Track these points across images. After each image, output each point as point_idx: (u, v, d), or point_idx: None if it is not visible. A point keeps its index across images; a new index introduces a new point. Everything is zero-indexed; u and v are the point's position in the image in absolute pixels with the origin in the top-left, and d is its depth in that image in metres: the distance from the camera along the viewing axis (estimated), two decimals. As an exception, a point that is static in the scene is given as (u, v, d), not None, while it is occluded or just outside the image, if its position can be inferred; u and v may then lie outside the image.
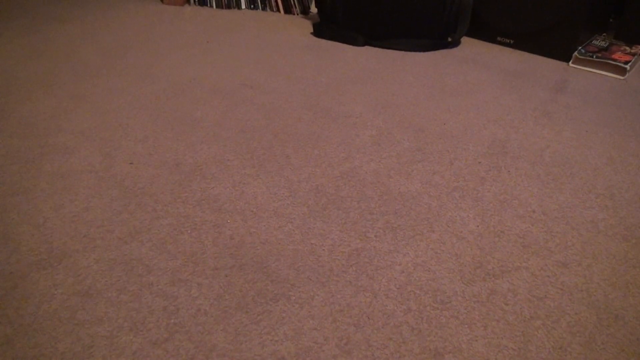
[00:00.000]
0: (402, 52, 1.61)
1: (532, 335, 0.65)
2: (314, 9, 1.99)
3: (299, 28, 1.81)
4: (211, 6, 2.02)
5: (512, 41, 1.69)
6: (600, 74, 1.51)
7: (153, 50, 1.54)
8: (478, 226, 0.84)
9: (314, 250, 0.77)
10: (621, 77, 1.48)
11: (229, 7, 2.02)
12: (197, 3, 2.03)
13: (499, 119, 1.21)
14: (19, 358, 0.59)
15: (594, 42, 1.62)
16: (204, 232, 0.80)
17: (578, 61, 1.55)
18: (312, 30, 1.76)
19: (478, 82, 1.42)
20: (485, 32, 1.73)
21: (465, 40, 1.75)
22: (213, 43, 1.62)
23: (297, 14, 2.00)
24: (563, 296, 0.71)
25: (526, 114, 1.24)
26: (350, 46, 1.64)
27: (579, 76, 1.49)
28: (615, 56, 1.52)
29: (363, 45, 1.65)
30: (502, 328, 0.66)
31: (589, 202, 0.92)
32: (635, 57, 1.53)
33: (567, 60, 1.58)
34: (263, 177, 0.95)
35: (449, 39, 1.67)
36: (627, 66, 1.47)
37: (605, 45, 1.59)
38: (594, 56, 1.52)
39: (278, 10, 2.01)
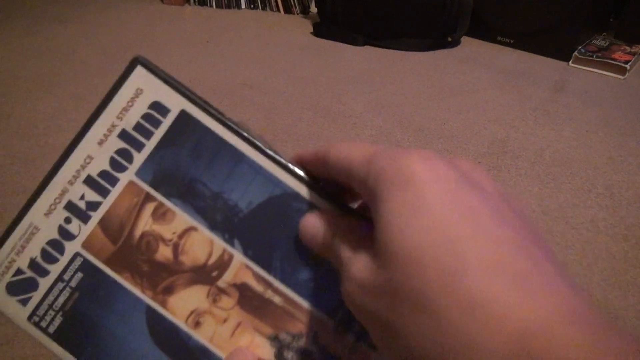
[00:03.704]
0: (402, 52, 1.61)
1: (532, 335, 0.65)
2: (314, 9, 1.99)
3: (299, 28, 1.81)
4: (211, 6, 2.02)
5: (512, 41, 1.69)
6: (600, 73, 1.51)
7: (153, 50, 1.54)
8: (478, 226, 0.84)
9: (314, 250, 0.77)
10: (621, 77, 1.48)
11: (229, 7, 2.02)
12: (197, 3, 2.03)
13: (499, 118, 1.21)
14: (19, 358, 0.59)
15: (594, 41, 1.62)
16: (204, 232, 0.80)
17: (578, 61, 1.55)
18: (312, 30, 1.76)
19: (478, 82, 1.42)
20: (485, 32, 1.73)
21: (465, 40, 1.75)
22: (213, 43, 1.62)
23: (297, 14, 2.00)
24: (563, 296, 0.71)
25: (526, 113, 1.24)
26: (350, 46, 1.64)
27: (579, 76, 1.49)
28: (615, 56, 1.52)
29: (363, 45, 1.65)
30: (502, 328, 0.66)
31: (589, 202, 0.92)
32: (636, 56, 1.53)
33: (567, 60, 1.57)
34: (263, 177, 0.94)
35: (449, 39, 1.67)
36: (627, 66, 1.47)
37: (605, 45, 1.59)
38: (594, 56, 1.51)
39: (278, 10, 2.01)
